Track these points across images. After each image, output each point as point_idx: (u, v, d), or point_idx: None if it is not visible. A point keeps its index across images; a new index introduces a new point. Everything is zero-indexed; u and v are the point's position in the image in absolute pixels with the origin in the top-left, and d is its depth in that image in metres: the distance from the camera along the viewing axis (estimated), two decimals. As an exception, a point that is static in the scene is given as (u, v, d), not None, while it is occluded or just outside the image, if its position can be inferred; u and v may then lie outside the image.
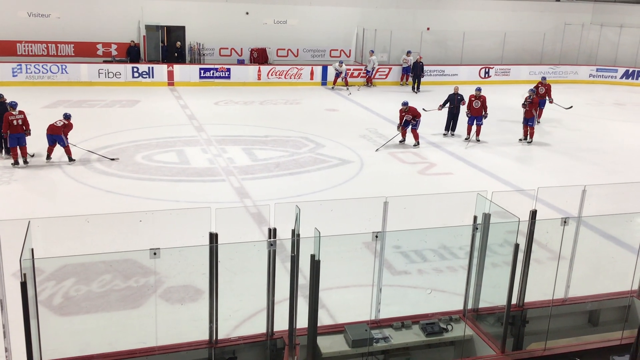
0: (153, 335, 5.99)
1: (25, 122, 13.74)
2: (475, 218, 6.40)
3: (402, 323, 6.46)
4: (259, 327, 6.21)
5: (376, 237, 6.05)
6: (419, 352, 6.44)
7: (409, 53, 27.15)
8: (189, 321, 7.42)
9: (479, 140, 17.59)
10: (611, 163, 16.18)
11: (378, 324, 6.46)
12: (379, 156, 15.95)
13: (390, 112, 20.78)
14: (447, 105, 18.23)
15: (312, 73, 26.37)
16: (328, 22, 28.59)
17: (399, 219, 6.66)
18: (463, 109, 18.01)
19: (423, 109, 18.59)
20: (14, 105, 13.89)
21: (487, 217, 6.30)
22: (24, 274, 4.59)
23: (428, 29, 29.59)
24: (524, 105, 17.65)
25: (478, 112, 17.35)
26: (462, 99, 18.07)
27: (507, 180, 14.26)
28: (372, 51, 27.02)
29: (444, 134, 18.26)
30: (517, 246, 6.03)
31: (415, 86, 25.97)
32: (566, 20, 31.79)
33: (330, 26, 28.65)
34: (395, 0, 29.75)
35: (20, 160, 13.81)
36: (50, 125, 14.03)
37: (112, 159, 14.49)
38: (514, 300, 6.49)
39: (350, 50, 29.39)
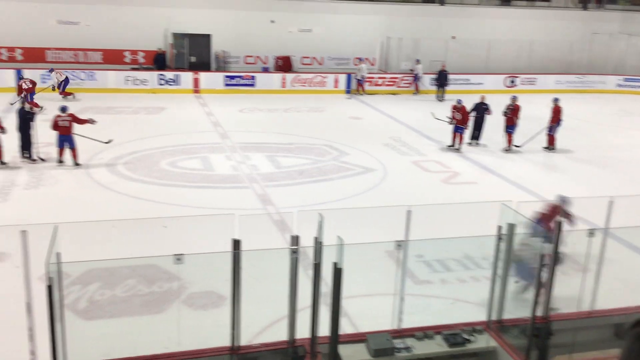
0: (176, 340, 6.03)
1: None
2: (499, 228, 6.33)
3: (424, 333, 6.40)
4: (280, 334, 6.21)
5: (399, 245, 6.02)
6: (441, 362, 6.38)
7: (417, 61, 27.07)
8: (212, 327, 7.45)
9: (508, 150, 17.47)
10: (639, 173, 15.91)
11: (400, 333, 6.41)
12: (403, 165, 15.89)
13: (414, 120, 20.74)
14: (473, 114, 18.12)
15: (336, 81, 26.42)
16: (353, 30, 28.66)
17: (422, 228, 6.62)
18: (488, 118, 17.92)
19: (431, 113, 18.57)
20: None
21: (511, 227, 6.23)
22: (50, 278, 4.65)
23: (453, 37, 29.47)
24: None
25: (511, 122, 17.36)
26: (488, 108, 17.96)
27: (532, 190, 14.09)
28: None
29: (469, 143, 18.13)
30: (542, 257, 5.95)
31: (441, 94, 25.88)
32: (593, 29, 31.40)
33: (355, 35, 28.71)
34: (421, 8, 29.72)
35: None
36: (55, 124, 14.21)
37: (107, 142, 15.16)
38: (538, 312, 6.40)
39: (374, 59, 29.40)
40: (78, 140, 14.45)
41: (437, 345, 6.32)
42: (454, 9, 30.14)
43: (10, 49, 25.08)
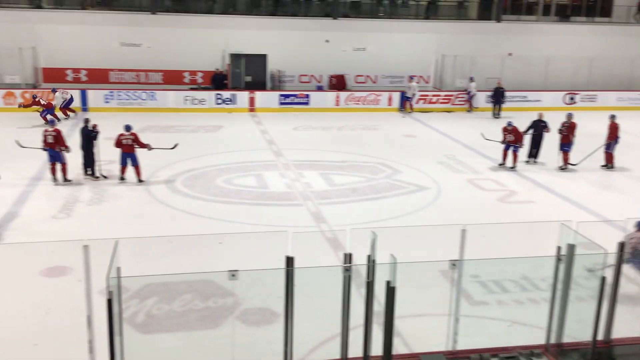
0: (230, 356, 6.09)
1: (58, 138, 14.45)
2: (558, 249, 6.17)
3: (480, 356, 6.27)
4: (333, 352, 6.20)
5: (453, 265, 5.94)
6: (497, 386, 6.22)
7: (471, 79, 26.71)
8: (265, 343, 7.50)
9: (564, 168, 17.02)
10: None
11: (455, 355, 6.30)
12: (457, 183, 15.68)
13: (469, 138, 20.47)
14: (531, 131, 17.76)
15: (390, 99, 26.38)
16: (407, 48, 28.63)
17: (478, 247, 6.51)
18: (547, 136, 17.53)
19: (481, 134, 18.26)
20: (51, 122, 14.98)
21: (571, 248, 6.06)
22: (110, 292, 4.80)
23: (510, 54, 29.03)
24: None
25: (567, 139, 16.92)
26: (546, 126, 17.57)
27: (592, 210, 13.65)
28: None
29: (527, 161, 17.74)
30: (603, 279, 5.76)
31: (497, 111, 25.48)
32: (657, 45, 30.38)
33: (409, 53, 28.67)
34: (477, 25, 29.44)
35: (59, 177, 14.56)
36: (118, 142, 14.59)
37: (172, 147, 15.69)
38: (600, 336, 6.17)
39: (429, 77, 29.25)
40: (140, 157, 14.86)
41: (493, 368, 6.18)
42: (511, 26, 29.70)
43: (76, 70, 26.17)
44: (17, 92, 23.43)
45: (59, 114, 21.88)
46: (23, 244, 10.68)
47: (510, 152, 16.93)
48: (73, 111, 22.88)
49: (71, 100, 22.92)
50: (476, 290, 9.26)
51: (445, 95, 27.10)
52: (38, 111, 20.96)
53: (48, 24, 25.62)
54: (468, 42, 28.82)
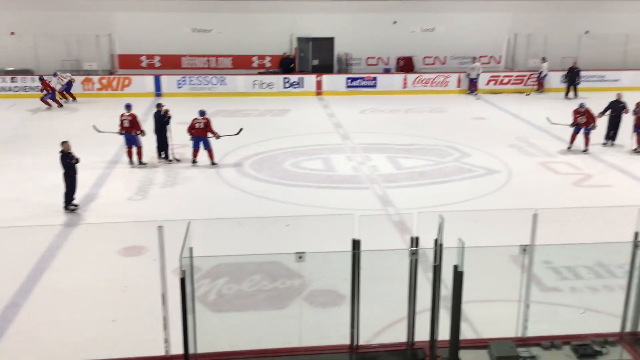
0: (297, 336, 6.21)
1: (133, 123, 14.91)
2: (636, 234, 5.93)
3: (551, 343, 6.12)
4: (399, 335, 6.21)
5: (524, 250, 5.81)
6: (569, 374, 6.07)
7: (543, 59, 25.69)
8: (331, 325, 7.59)
9: (638, 151, 16.24)
10: None
11: (525, 342, 6.17)
12: (529, 166, 15.25)
13: (542, 120, 19.82)
14: (608, 112, 17.01)
15: (459, 80, 25.84)
16: (477, 28, 27.91)
17: (550, 232, 6.34)
18: (625, 117, 16.76)
19: (547, 119, 17.60)
20: (127, 106, 15.19)
21: (650, 234, 5.80)
22: (183, 271, 4.97)
23: (587, 32, 27.82)
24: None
25: None
26: (624, 106, 16.80)
27: (676, 195, 13.00)
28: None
29: (604, 144, 17.04)
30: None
31: (569, 92, 24.53)
32: None
33: (480, 32, 27.94)
34: (551, 3, 28.31)
35: (134, 160, 15.10)
36: (191, 127, 14.98)
37: (237, 133, 15.95)
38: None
39: (500, 57, 28.45)
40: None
41: (565, 356, 6.03)
42: (588, 3, 28.40)
43: (150, 57, 26.98)
44: (95, 78, 24.40)
45: (61, 98, 22.61)
46: (102, 224, 11.21)
47: (581, 135, 16.27)
48: (72, 96, 23.34)
49: (69, 84, 23.36)
50: (548, 277, 9.03)
51: (517, 76, 26.29)
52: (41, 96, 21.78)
53: (123, 12, 26.49)
54: (542, 20, 27.80)
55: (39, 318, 8.25)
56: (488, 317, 7.93)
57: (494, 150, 16.55)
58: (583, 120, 16.10)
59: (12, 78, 23.86)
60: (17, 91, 23.77)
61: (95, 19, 26.01)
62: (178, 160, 15.47)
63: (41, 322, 8.13)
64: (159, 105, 15.63)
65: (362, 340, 6.12)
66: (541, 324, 6.58)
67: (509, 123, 20.42)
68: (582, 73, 24.83)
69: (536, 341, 6.15)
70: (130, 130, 14.86)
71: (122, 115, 15.00)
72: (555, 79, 25.69)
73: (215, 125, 15.25)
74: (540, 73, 25.68)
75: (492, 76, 26.05)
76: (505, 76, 26.29)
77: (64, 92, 23.17)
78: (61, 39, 25.73)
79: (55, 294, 8.88)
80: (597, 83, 25.83)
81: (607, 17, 28.12)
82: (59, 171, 11.89)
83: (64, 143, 11.83)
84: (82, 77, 24.35)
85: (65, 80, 23.25)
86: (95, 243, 10.61)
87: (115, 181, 14.13)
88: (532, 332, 6.26)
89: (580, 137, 16.29)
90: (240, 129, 16.19)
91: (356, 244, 5.60)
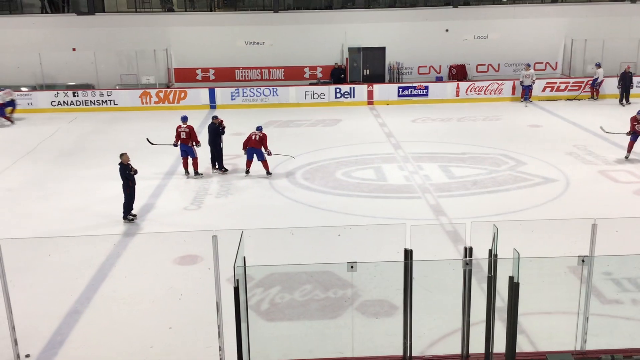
0: (349, 346, 6.21)
1: (191, 134, 15.16)
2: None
3: (612, 356, 5.94)
4: (453, 347, 6.13)
5: (582, 261, 5.66)
6: (631, 390, 5.86)
7: (598, 65, 24.85)
8: (384, 335, 7.54)
9: None
10: None
11: (584, 355, 6.00)
12: (588, 175, 14.82)
13: (599, 128, 19.24)
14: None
15: (513, 88, 25.35)
16: (532, 34, 27.36)
17: (610, 243, 6.16)
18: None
19: (601, 128, 17.01)
20: (183, 119, 15.44)
21: None
22: (237, 280, 5.05)
23: (647, 36, 26.91)
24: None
25: None
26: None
27: None
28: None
29: (666, 151, 16.41)
30: None
31: (622, 98, 23.73)
32: None
33: (534, 38, 27.38)
34: (608, 7, 27.53)
35: (190, 171, 15.36)
36: (247, 140, 15.22)
37: (292, 157, 16.20)
38: None
39: (556, 63, 27.79)
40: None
41: (627, 371, 5.83)
42: (648, 5, 27.51)
43: (205, 70, 27.57)
44: (153, 91, 25.11)
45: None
46: (159, 233, 11.49)
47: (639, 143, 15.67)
48: (10, 118, 22.44)
49: (12, 103, 22.66)
50: (608, 288, 8.74)
51: (574, 82, 25.61)
52: None
53: (179, 26, 27.21)
54: (599, 25, 27.01)
55: (99, 325, 8.52)
56: (545, 329, 7.74)
57: (551, 159, 16.15)
58: None
59: (74, 93, 24.79)
60: (78, 105, 24.67)
61: (153, 34, 26.79)
62: (226, 170, 15.71)
63: (101, 329, 8.40)
64: (215, 117, 15.95)
65: (416, 352, 6.07)
66: (601, 338, 6.38)
67: (566, 130, 19.89)
68: (637, 79, 23.95)
69: (596, 355, 5.97)
70: (187, 141, 15.20)
71: (179, 127, 15.35)
72: (612, 85, 24.87)
73: (269, 140, 15.45)
74: (596, 80, 24.91)
75: (547, 83, 25.45)
76: (561, 82, 25.65)
77: (5, 110, 22.32)
78: (120, 54, 26.62)
79: (114, 301, 9.15)
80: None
81: (669, 19, 27.16)
82: (119, 182, 12.27)
83: (122, 155, 12.20)
84: (141, 91, 25.08)
85: (8, 99, 22.52)
86: (152, 252, 10.88)
87: (172, 191, 14.47)
88: (591, 345, 6.08)
89: (639, 145, 15.72)
90: (293, 157, 16.32)
91: (408, 254, 5.58)
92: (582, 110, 23.13)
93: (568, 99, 24.95)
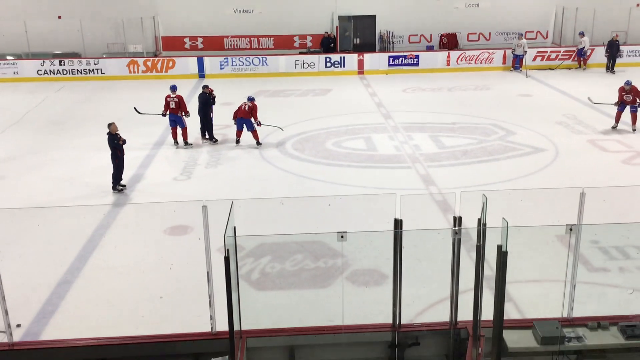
0: (339, 314, 6.25)
1: (180, 104, 14.99)
2: (689, 214, 5.74)
3: (598, 323, 6.02)
4: (442, 315, 6.19)
5: (570, 230, 5.69)
6: (616, 355, 5.96)
7: (581, 34, 24.76)
8: (374, 304, 7.61)
9: None
10: None
11: (571, 322, 6.08)
12: (577, 144, 14.87)
13: (590, 96, 19.25)
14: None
15: (504, 57, 25.26)
16: (523, 2, 27.19)
17: (598, 212, 6.20)
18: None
19: (589, 99, 17.04)
20: (173, 88, 15.23)
21: None
22: (227, 250, 5.04)
23: (638, 5, 26.76)
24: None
25: None
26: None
27: None
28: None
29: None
30: None
31: (610, 66, 23.75)
32: None
33: (526, 7, 27.22)
34: (601, -26, 27.36)
35: (179, 141, 15.23)
36: (238, 110, 15.11)
37: (282, 129, 16.00)
38: None
39: (547, 32, 27.68)
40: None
41: (612, 337, 5.92)
42: (641, -27, 27.35)
43: (193, 38, 27.23)
44: (140, 60, 24.79)
45: None
46: (148, 204, 11.46)
47: (628, 113, 15.68)
48: None
49: None
50: (595, 257, 8.85)
51: (565, 51, 25.54)
52: None
53: (166, -6, 26.79)
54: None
55: (89, 295, 8.54)
56: (533, 297, 7.84)
57: (540, 128, 16.19)
58: (629, 99, 15.55)
59: (60, 61, 24.43)
60: (65, 74, 24.34)
61: (140, 1, 26.35)
62: (216, 141, 15.61)
63: (91, 299, 8.42)
64: (205, 87, 15.79)
65: (405, 320, 6.13)
66: (588, 305, 6.48)
67: (556, 100, 19.90)
68: (631, 47, 23.92)
69: (582, 322, 6.05)
70: (177, 111, 15.06)
71: (168, 96, 15.18)
72: (601, 54, 24.82)
73: (259, 110, 15.33)
74: (582, 49, 24.79)
75: (538, 52, 25.37)
76: (552, 52, 25.57)
77: None
78: (107, 22, 26.18)
79: (104, 271, 9.16)
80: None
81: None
82: (107, 152, 12.18)
83: (110, 125, 12.09)
84: (128, 60, 24.75)
85: None
86: (142, 222, 10.86)
87: (161, 162, 14.40)
88: (578, 312, 6.16)
89: (627, 115, 15.76)
90: (282, 129, 16.18)
91: (398, 224, 5.59)
92: (571, 79, 23.12)
93: (550, 69, 24.89)
